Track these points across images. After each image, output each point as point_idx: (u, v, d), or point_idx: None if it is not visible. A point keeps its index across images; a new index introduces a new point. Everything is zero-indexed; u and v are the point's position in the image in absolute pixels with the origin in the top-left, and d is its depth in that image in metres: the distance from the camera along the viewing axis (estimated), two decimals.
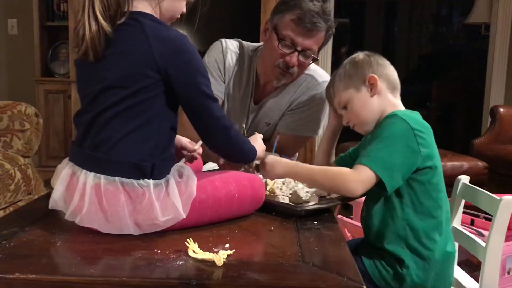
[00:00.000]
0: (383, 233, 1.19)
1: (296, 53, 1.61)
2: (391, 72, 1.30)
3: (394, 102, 1.28)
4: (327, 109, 1.77)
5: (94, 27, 0.98)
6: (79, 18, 1.00)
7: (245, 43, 1.81)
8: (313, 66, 1.77)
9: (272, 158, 1.27)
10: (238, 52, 1.77)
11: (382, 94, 1.27)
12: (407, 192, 1.17)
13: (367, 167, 1.11)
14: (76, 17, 1.01)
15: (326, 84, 1.74)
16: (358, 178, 1.11)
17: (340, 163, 1.41)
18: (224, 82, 1.76)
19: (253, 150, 1.20)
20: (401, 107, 1.28)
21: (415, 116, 1.20)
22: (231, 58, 1.75)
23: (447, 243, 1.22)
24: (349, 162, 1.33)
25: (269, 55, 1.66)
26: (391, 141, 1.14)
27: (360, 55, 1.31)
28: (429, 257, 1.17)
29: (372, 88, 1.26)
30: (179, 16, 1.11)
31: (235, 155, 1.19)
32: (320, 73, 1.78)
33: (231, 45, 1.77)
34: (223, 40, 1.79)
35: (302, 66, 1.67)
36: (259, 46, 1.79)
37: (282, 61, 1.63)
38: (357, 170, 1.12)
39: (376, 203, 1.20)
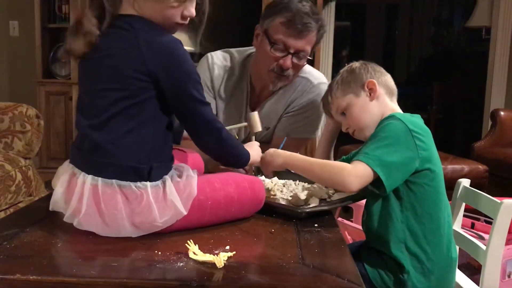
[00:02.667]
0: (384, 236, 1.19)
1: (290, 56, 1.60)
2: (388, 78, 1.32)
3: (392, 107, 1.29)
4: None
5: (75, 25, 1.01)
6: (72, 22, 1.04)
7: (235, 52, 1.79)
8: (308, 68, 1.76)
9: (272, 150, 1.29)
10: (228, 64, 1.76)
11: (381, 99, 1.28)
12: (406, 195, 1.17)
13: (364, 163, 1.12)
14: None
15: (322, 85, 1.74)
16: (356, 173, 1.12)
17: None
18: (215, 98, 1.75)
19: (246, 154, 1.21)
20: (399, 111, 1.29)
21: (414, 119, 1.20)
22: (219, 73, 1.74)
23: (449, 248, 1.21)
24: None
25: (262, 60, 1.65)
26: (388, 141, 1.14)
27: (356, 63, 1.34)
28: (429, 261, 1.17)
29: (371, 92, 1.28)
30: (184, 22, 1.08)
31: (228, 157, 1.19)
32: (315, 75, 1.78)
33: (218, 60, 1.75)
34: (209, 55, 1.78)
35: (297, 68, 1.66)
36: (248, 51, 1.77)
37: (276, 65, 1.62)
38: (355, 165, 1.13)
39: (376, 206, 1.20)
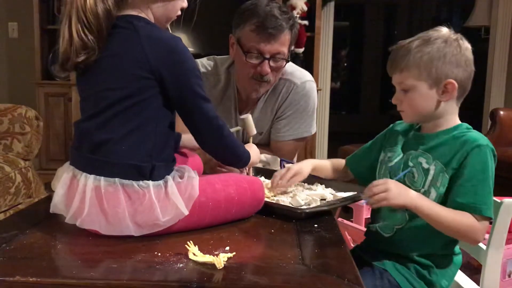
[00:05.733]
0: (421, 245, 1.18)
1: (266, 61, 1.58)
2: (470, 72, 1.18)
3: (455, 110, 1.20)
4: (314, 104, 1.76)
5: (66, 42, 1.00)
6: (59, 28, 1.02)
7: (219, 59, 1.78)
8: (289, 69, 1.74)
9: (398, 186, 1.11)
10: (213, 71, 1.75)
11: (450, 102, 1.18)
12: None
13: (488, 217, 1.11)
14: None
15: (307, 84, 1.73)
16: (484, 228, 1.11)
17: (353, 163, 1.42)
18: None
19: (246, 154, 1.21)
20: (456, 116, 1.22)
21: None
22: (204, 82, 1.73)
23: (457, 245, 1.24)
24: (358, 160, 1.38)
25: (240, 69, 1.65)
26: (490, 179, 1.17)
27: (452, 45, 1.15)
28: (452, 259, 1.21)
29: (445, 92, 1.15)
30: (178, 14, 1.12)
31: (228, 156, 1.19)
32: (297, 75, 1.75)
33: (203, 67, 1.75)
34: None
35: (277, 71, 1.64)
36: (231, 58, 1.75)
37: (254, 72, 1.60)
38: (481, 222, 1.11)
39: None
